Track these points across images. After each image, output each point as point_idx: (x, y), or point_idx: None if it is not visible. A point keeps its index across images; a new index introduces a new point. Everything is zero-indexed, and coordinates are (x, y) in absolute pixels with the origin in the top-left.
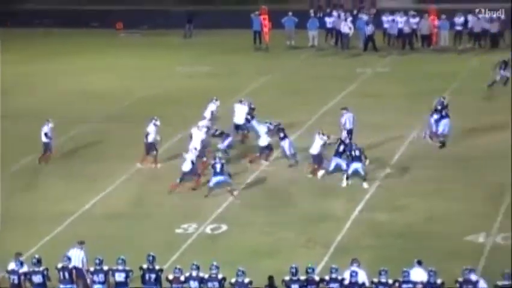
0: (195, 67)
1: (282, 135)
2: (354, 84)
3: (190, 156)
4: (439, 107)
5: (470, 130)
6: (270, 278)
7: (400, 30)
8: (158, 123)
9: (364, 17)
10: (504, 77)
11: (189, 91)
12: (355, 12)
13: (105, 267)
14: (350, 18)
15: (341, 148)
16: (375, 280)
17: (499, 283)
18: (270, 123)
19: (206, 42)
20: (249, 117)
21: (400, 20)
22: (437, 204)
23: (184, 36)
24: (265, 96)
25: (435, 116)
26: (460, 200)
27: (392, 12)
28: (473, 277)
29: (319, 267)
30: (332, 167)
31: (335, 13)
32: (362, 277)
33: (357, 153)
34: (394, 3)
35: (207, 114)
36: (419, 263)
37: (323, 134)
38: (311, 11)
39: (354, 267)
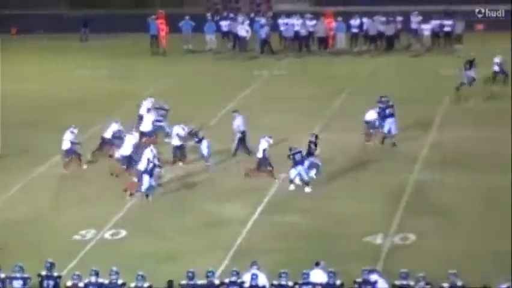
0: (93, 71)
1: (196, 138)
2: (252, 87)
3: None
4: (383, 106)
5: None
6: (169, 282)
7: (297, 33)
8: (75, 130)
9: (261, 20)
10: (470, 78)
11: (90, 94)
12: (252, 15)
13: (2, 275)
14: (247, 22)
15: (298, 157)
16: (275, 282)
17: (397, 283)
18: (183, 128)
19: (103, 46)
20: (161, 118)
21: (297, 22)
22: (336, 206)
23: (80, 40)
24: (163, 100)
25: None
26: (358, 201)
27: (289, 15)
28: (373, 277)
29: (219, 270)
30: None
31: (232, 16)
32: (262, 280)
33: (298, 157)
34: (290, 6)
35: (143, 111)
36: (318, 264)
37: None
38: (208, 15)
39: (254, 270)
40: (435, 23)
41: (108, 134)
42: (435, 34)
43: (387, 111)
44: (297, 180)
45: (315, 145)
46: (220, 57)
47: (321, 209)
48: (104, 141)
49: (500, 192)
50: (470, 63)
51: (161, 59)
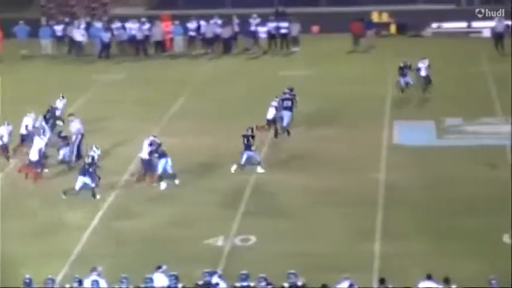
0: None
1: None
2: (91, 92)
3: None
4: (283, 97)
5: (208, 133)
6: None
7: (133, 37)
8: (10, 127)
9: (97, 24)
10: (405, 83)
11: None
12: (88, 19)
13: None
14: (83, 26)
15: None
16: (116, 287)
17: (237, 284)
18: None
19: None
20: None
21: (133, 26)
22: (176, 209)
23: None
24: None
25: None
26: (198, 204)
27: (125, 19)
28: (214, 280)
29: (59, 277)
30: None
31: (67, 21)
32: (103, 285)
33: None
34: (126, 10)
35: (58, 112)
36: (159, 268)
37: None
38: (43, 19)
39: (95, 276)
40: (271, 25)
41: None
42: (271, 36)
43: (285, 103)
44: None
45: (252, 138)
46: (57, 62)
47: (161, 213)
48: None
49: (336, 193)
50: (402, 69)
51: None
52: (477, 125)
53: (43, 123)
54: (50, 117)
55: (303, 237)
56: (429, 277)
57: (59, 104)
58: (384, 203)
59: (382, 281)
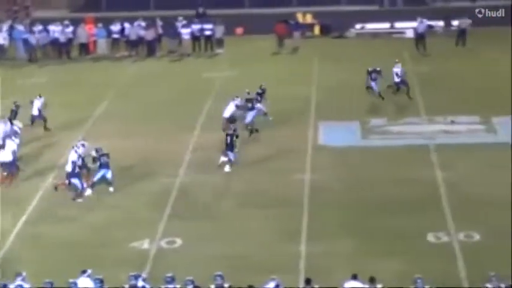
0: None
1: None
2: (16, 95)
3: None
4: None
5: (133, 136)
6: None
7: (56, 40)
8: None
9: (19, 27)
10: (375, 88)
11: None
12: (10, 22)
13: None
14: (5, 29)
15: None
16: None
17: (163, 287)
18: None
19: None
20: None
21: (56, 29)
22: (101, 212)
23: None
24: None
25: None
26: (123, 207)
27: (47, 21)
28: (140, 283)
29: None
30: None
31: None
32: None
33: (106, 159)
34: (49, 12)
35: (35, 111)
36: (84, 272)
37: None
38: None
39: (19, 281)
40: (195, 27)
41: None
42: (195, 38)
43: (250, 104)
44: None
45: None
46: None
47: (86, 216)
48: None
49: (261, 194)
50: (370, 73)
51: None
52: (401, 125)
53: (15, 127)
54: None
55: (229, 239)
56: (354, 277)
57: (37, 103)
58: (310, 204)
59: (308, 281)
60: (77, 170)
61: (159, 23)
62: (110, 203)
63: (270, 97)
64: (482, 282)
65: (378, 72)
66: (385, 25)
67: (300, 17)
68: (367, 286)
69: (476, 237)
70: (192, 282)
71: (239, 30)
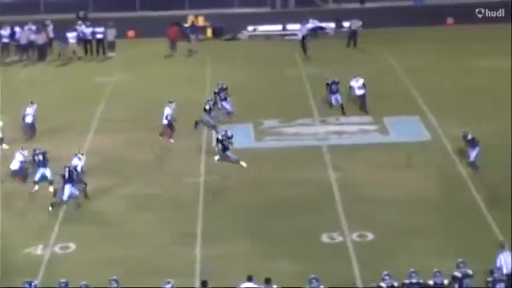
0: None
1: None
2: None
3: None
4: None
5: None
6: None
7: None
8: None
9: None
10: (335, 100)
11: None
12: None
13: None
14: None
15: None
16: None
17: None
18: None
19: None
20: None
21: None
22: None
23: None
24: None
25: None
26: (16, 212)
27: None
28: None
29: None
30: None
31: None
32: None
33: (41, 157)
34: None
35: (29, 119)
36: None
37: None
38: None
39: None
40: (87, 30)
41: None
42: (87, 41)
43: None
44: None
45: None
46: None
47: None
48: None
49: (155, 198)
50: (329, 86)
51: None
52: (294, 127)
53: None
54: None
55: (123, 242)
56: (250, 278)
57: (29, 110)
58: (205, 206)
59: (204, 283)
60: None
61: (50, 26)
62: (3, 207)
63: (163, 100)
64: (375, 281)
65: (337, 84)
66: (277, 27)
67: (191, 20)
68: (262, 287)
69: (370, 236)
70: (87, 287)
71: (131, 33)
